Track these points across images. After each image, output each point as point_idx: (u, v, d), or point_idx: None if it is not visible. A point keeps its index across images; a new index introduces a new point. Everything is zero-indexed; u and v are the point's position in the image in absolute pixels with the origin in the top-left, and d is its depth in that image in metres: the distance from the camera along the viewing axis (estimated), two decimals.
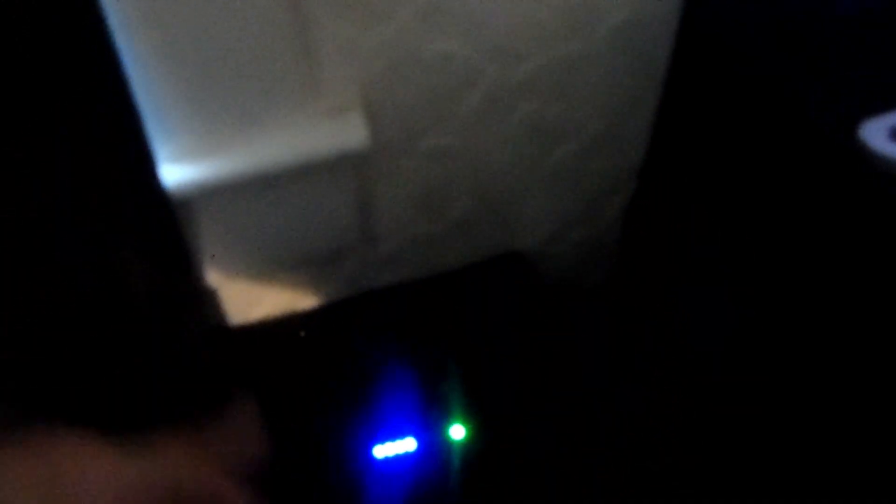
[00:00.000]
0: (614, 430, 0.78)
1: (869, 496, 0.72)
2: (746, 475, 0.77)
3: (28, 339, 0.63)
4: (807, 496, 0.75)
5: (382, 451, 0.58)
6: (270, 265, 0.73)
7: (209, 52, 0.57)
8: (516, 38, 0.63)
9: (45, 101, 0.55)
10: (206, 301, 0.72)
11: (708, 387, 0.80)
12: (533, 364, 0.72)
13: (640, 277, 0.86)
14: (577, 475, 0.72)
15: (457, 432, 0.60)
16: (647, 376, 0.80)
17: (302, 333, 0.74)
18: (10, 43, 0.51)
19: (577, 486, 0.69)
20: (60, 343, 0.64)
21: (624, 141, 0.74)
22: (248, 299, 0.75)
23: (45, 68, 0.55)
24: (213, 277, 0.71)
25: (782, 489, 0.76)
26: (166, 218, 0.63)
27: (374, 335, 0.75)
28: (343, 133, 0.63)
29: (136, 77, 0.58)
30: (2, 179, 0.54)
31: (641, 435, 0.78)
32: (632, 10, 0.64)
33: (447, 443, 0.60)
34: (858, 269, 0.74)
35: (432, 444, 0.59)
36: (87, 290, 0.65)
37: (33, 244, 0.57)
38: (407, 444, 0.59)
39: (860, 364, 0.76)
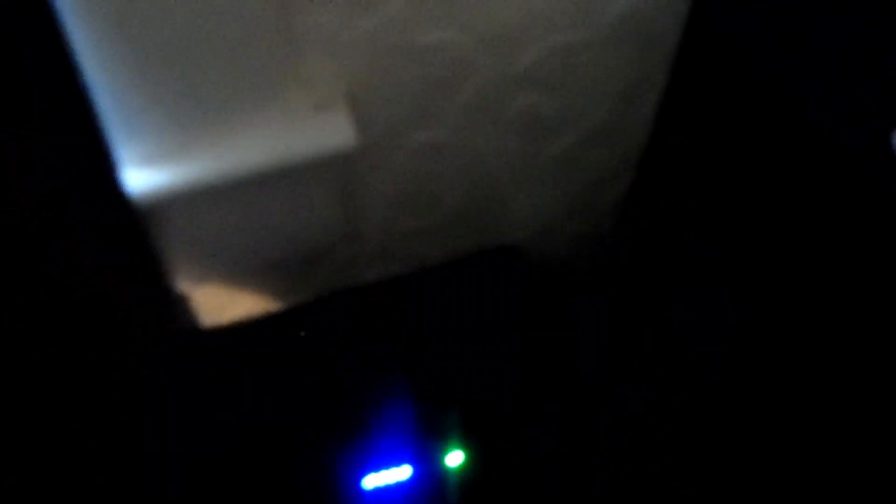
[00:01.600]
0: (614, 430, 0.76)
1: (869, 496, 0.72)
2: (746, 475, 0.76)
3: None
4: (807, 496, 0.74)
5: (374, 480, 0.54)
6: (244, 269, 0.67)
7: (177, 41, 0.51)
8: (515, 27, 0.57)
9: None
10: (176, 307, 0.67)
11: (708, 387, 0.78)
12: (531, 368, 0.68)
13: (639, 277, 0.83)
14: (578, 486, 0.70)
15: (454, 459, 0.56)
16: (648, 376, 0.78)
17: (302, 334, 0.68)
18: None
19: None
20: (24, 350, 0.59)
21: (625, 131, 0.69)
22: (220, 304, 0.70)
23: None
24: (183, 283, 0.66)
25: (782, 489, 0.75)
26: (129, 226, 0.57)
27: (359, 338, 0.70)
28: (327, 131, 0.57)
29: (91, 67, 0.51)
30: None
31: (641, 435, 0.77)
32: None
33: (444, 470, 0.55)
34: (858, 269, 0.74)
35: (428, 471, 0.55)
36: (47, 297, 0.60)
37: None
38: (401, 473, 0.54)
39: (860, 364, 0.75)
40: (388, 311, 0.72)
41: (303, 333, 0.68)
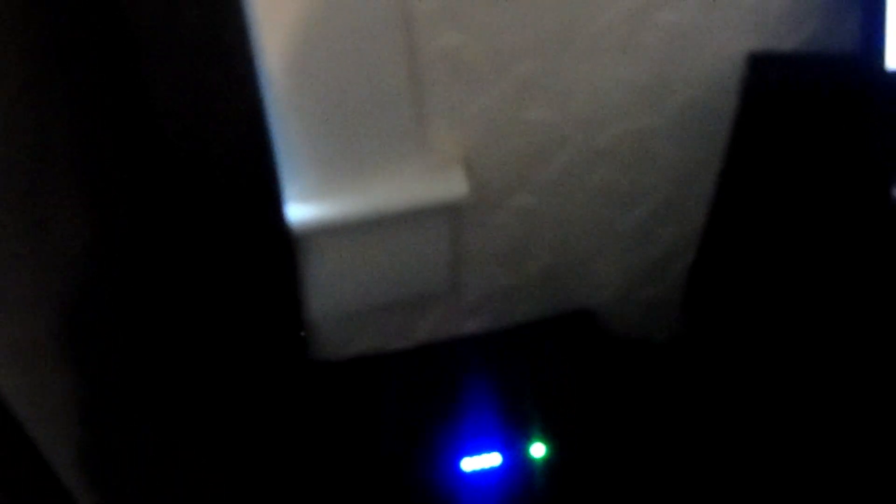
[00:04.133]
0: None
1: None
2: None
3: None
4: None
5: (470, 464, 0.65)
6: (364, 306, 0.81)
7: (336, 111, 0.68)
8: (598, 110, 0.73)
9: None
10: (308, 333, 0.81)
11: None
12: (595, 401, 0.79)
13: None
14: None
15: (537, 450, 0.67)
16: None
17: (302, 333, 0.80)
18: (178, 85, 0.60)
19: None
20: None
21: (686, 208, 0.82)
22: (342, 338, 0.83)
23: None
24: (313, 314, 0.80)
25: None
26: (288, 252, 0.72)
27: (459, 372, 0.82)
28: (446, 184, 0.72)
29: (277, 126, 0.68)
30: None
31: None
32: (696, 89, 0.73)
33: (529, 459, 0.67)
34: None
35: (515, 459, 0.66)
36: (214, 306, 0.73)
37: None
38: (492, 459, 0.66)
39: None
40: (481, 357, 0.85)
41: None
